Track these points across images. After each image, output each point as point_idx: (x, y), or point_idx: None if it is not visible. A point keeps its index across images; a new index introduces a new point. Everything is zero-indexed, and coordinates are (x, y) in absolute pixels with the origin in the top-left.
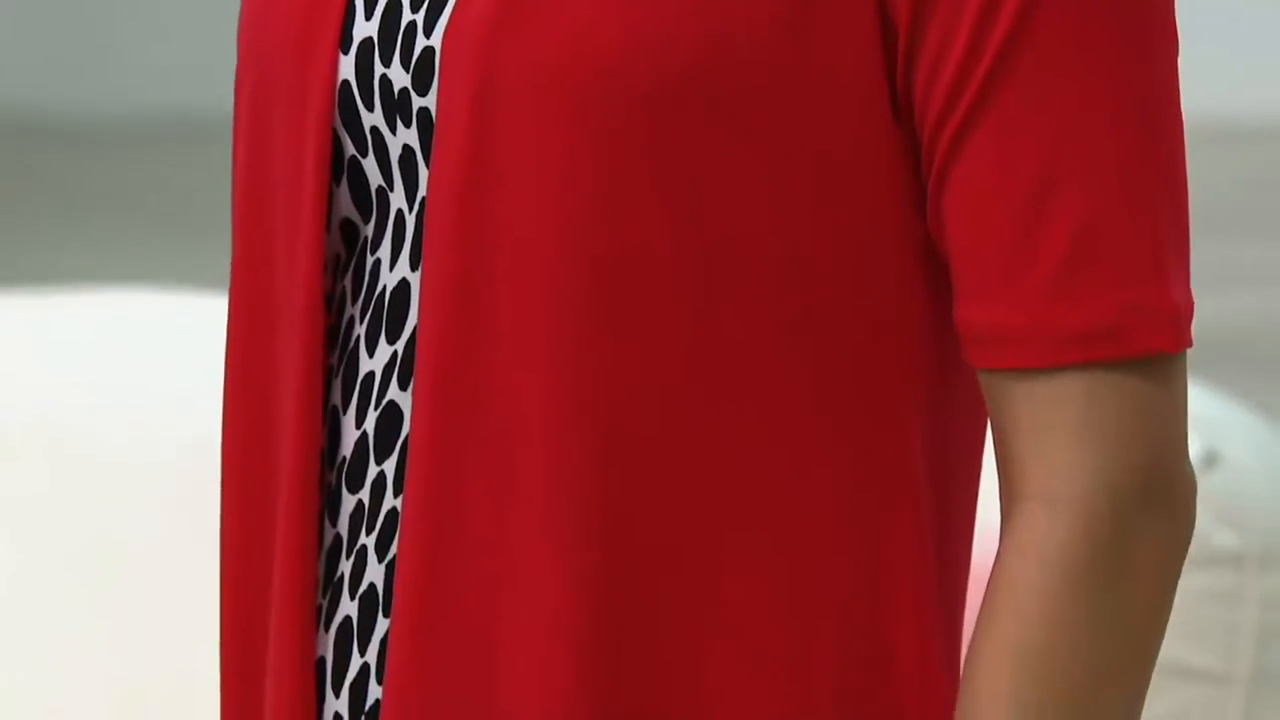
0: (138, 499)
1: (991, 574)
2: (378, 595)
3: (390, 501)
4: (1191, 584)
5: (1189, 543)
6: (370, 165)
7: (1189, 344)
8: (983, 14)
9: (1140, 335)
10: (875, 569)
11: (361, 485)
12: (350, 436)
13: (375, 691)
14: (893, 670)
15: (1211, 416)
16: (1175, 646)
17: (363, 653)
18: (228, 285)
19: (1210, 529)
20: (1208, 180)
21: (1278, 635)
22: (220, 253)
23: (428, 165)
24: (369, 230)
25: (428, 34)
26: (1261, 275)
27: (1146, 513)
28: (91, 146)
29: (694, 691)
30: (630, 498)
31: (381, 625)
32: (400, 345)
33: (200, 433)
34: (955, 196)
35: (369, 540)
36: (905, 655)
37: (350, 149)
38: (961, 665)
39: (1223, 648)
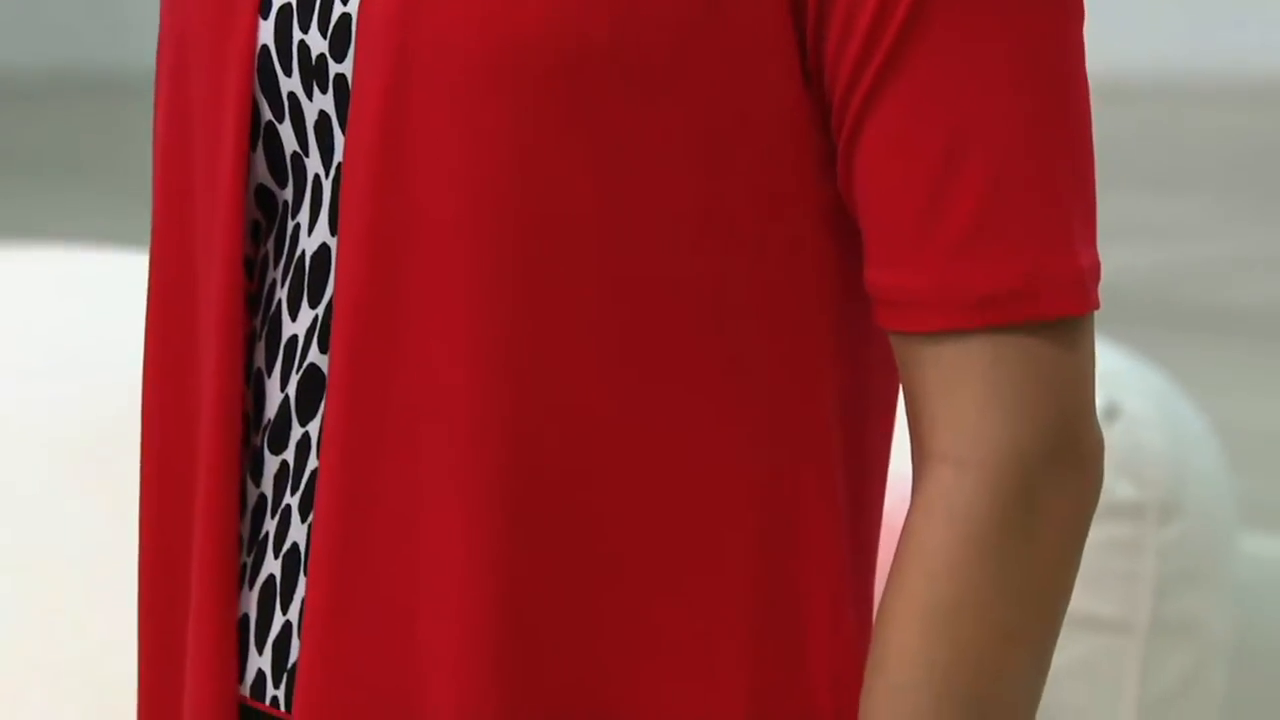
0: (70, 458)
1: (901, 534)
2: (300, 555)
3: (314, 463)
4: (1093, 535)
5: (1096, 502)
6: (286, 131)
7: (1096, 306)
8: None
9: (1047, 298)
10: (787, 528)
11: (285, 446)
12: (274, 399)
13: (297, 649)
14: (803, 627)
15: (1110, 370)
16: (1077, 596)
17: (285, 611)
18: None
19: (1111, 481)
20: (1101, 136)
21: (1175, 584)
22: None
23: (344, 131)
24: (288, 195)
25: (344, 0)
26: (1154, 230)
27: (1054, 473)
28: (29, 102)
29: (602, 648)
30: (544, 460)
31: (303, 584)
32: (321, 309)
33: (131, 397)
34: (865, 162)
35: (293, 500)
36: (816, 613)
37: (267, 114)
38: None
39: (1123, 597)
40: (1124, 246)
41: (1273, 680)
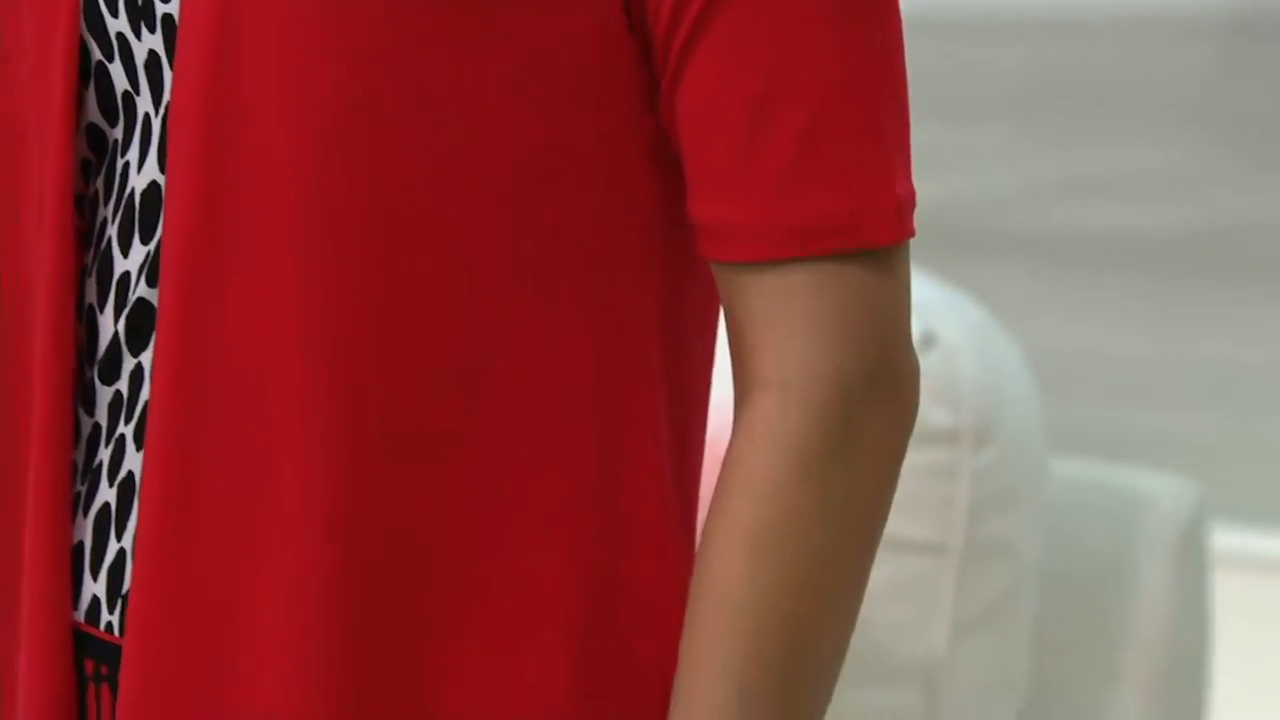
0: None
1: (724, 459)
2: (135, 483)
3: (148, 393)
4: (909, 461)
5: (912, 426)
6: (117, 70)
7: (912, 234)
8: None
9: (865, 228)
10: (613, 452)
11: (118, 377)
12: (106, 333)
13: (132, 576)
14: (630, 557)
15: (927, 299)
16: (894, 520)
17: (119, 538)
18: None
19: (927, 408)
20: (910, 70)
21: (989, 508)
22: None
23: (173, 70)
24: (118, 134)
25: None
26: (952, 159)
27: (873, 398)
28: None
29: (440, 562)
30: (377, 395)
31: (138, 512)
32: (152, 246)
33: None
34: (687, 100)
35: (127, 429)
36: (643, 542)
37: (97, 54)
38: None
39: (938, 521)
40: (931, 177)
41: (1079, 600)
